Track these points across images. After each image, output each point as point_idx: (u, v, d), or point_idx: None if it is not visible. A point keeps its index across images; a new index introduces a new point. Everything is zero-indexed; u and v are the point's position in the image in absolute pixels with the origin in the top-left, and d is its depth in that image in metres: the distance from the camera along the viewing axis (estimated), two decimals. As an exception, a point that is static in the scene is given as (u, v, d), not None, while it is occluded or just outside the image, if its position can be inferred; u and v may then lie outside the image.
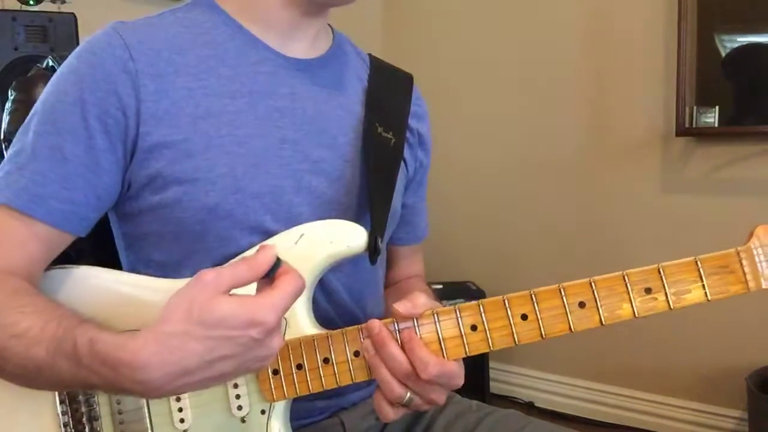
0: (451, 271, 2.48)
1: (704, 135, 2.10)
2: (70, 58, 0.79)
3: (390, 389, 0.71)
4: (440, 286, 2.27)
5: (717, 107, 2.06)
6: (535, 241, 2.48)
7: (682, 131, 2.09)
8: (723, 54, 2.08)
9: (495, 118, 2.54)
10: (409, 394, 0.72)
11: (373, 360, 0.72)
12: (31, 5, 1.70)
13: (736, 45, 2.09)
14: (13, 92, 1.06)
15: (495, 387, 2.52)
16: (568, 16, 2.35)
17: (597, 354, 2.34)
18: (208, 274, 0.63)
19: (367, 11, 2.74)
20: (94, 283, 0.79)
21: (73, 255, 0.85)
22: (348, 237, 0.78)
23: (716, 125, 2.06)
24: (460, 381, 0.74)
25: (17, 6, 1.70)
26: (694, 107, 2.07)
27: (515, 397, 2.53)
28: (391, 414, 0.73)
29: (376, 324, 0.72)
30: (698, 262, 0.69)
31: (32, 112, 0.79)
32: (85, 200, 0.77)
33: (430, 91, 1.01)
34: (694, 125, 2.08)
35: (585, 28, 2.32)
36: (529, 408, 2.47)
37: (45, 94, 0.79)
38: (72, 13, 1.70)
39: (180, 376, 0.63)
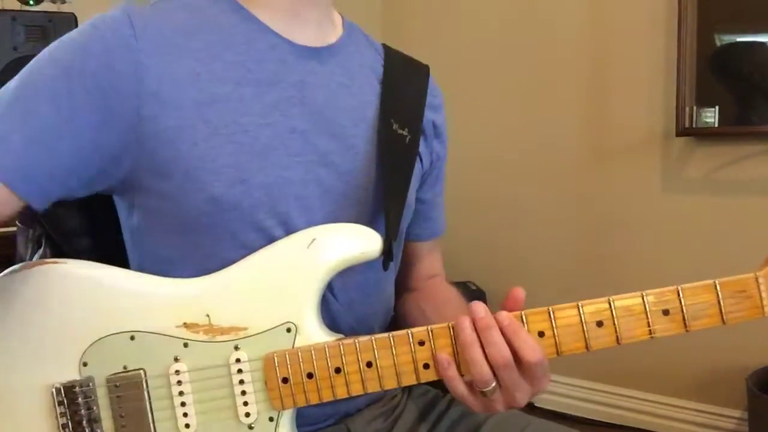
0: (451, 271, 2.44)
1: (704, 135, 2.10)
2: (73, 31, 0.76)
3: (481, 371, 0.69)
4: (440, 286, 2.26)
5: (717, 107, 2.05)
6: (536, 241, 2.48)
7: (682, 131, 2.09)
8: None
9: (494, 118, 2.53)
10: (494, 384, 0.70)
11: (471, 338, 0.69)
12: (31, 5, 1.70)
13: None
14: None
15: (495, 387, 2.52)
16: (568, 15, 2.35)
17: (597, 354, 2.28)
18: None
19: (366, 2, 2.73)
20: (77, 281, 0.75)
21: (71, 254, 0.83)
22: (363, 242, 0.75)
23: (716, 125, 2.06)
24: (547, 381, 0.72)
25: (17, 6, 1.70)
26: (694, 107, 2.07)
27: (515, 397, 2.52)
28: (470, 399, 0.71)
29: (481, 307, 0.70)
30: (717, 286, 0.70)
31: (20, 73, 0.75)
32: (47, 168, 0.72)
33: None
34: (694, 125, 2.08)
35: (585, 27, 2.32)
36: (529, 408, 2.45)
37: (38, 56, 0.75)
38: (72, 13, 1.70)
39: None
